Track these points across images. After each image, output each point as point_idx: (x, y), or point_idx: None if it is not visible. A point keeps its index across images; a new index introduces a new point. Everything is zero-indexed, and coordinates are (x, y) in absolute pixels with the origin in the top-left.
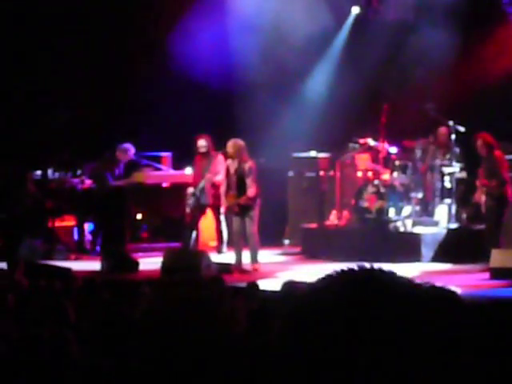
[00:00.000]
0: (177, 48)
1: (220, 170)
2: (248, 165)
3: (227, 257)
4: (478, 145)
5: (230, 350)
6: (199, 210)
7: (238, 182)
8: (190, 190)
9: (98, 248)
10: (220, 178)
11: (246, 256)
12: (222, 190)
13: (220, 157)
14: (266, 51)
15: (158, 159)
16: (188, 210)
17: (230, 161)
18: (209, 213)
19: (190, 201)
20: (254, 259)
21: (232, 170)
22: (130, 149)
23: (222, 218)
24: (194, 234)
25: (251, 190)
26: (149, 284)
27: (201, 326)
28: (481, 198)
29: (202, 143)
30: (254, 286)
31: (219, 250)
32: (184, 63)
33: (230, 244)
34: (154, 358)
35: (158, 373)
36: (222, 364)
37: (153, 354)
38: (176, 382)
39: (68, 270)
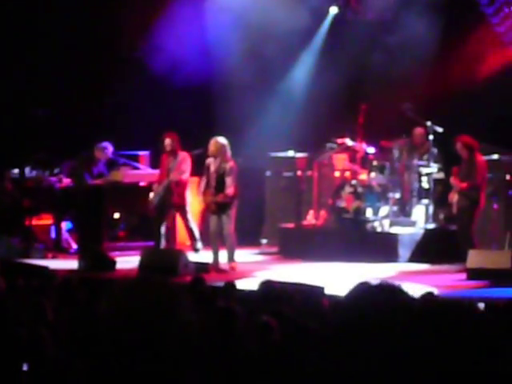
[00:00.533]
0: (156, 45)
1: (185, 168)
2: (229, 164)
3: (204, 256)
4: (458, 147)
5: (193, 350)
6: (164, 209)
7: (217, 181)
8: (155, 187)
9: (75, 247)
10: (185, 176)
11: (222, 255)
12: (200, 188)
13: (185, 155)
14: (245, 50)
15: (136, 158)
16: (152, 208)
17: (211, 159)
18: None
19: (155, 199)
20: (230, 258)
21: (212, 169)
22: (108, 147)
23: (189, 216)
24: (162, 231)
25: (230, 189)
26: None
27: (159, 327)
28: (454, 197)
29: (167, 141)
30: (230, 285)
31: (194, 248)
32: (163, 61)
33: (206, 242)
34: (114, 358)
35: (124, 373)
36: (181, 365)
37: (113, 354)
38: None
39: (45, 268)
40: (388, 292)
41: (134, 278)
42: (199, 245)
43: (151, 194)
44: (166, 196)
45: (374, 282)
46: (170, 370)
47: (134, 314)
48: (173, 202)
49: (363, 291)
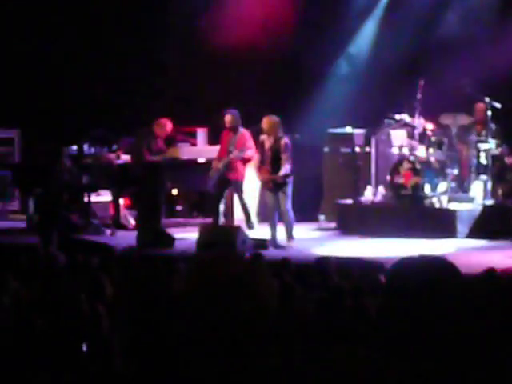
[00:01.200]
0: (214, 19)
1: (249, 145)
2: (283, 141)
3: (262, 232)
4: None
5: (266, 324)
6: (223, 185)
7: (272, 158)
8: (214, 164)
9: (133, 223)
10: (250, 153)
11: (280, 231)
12: (255, 164)
13: (245, 132)
14: (302, 23)
15: (194, 134)
16: (212, 184)
17: (264, 136)
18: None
19: (214, 175)
20: (289, 235)
21: (267, 146)
22: (167, 123)
23: (243, 193)
24: (221, 208)
25: (286, 167)
26: (184, 260)
27: (238, 302)
28: None
29: (227, 118)
30: (287, 261)
31: (248, 225)
32: (219, 35)
33: (264, 219)
34: (190, 334)
35: (193, 349)
36: (258, 338)
37: (190, 330)
38: (213, 358)
39: (104, 244)
40: (435, 264)
41: (211, 254)
42: (253, 220)
43: (212, 170)
44: (226, 172)
45: (418, 255)
46: (254, 341)
47: (217, 289)
48: (231, 178)
49: (409, 264)
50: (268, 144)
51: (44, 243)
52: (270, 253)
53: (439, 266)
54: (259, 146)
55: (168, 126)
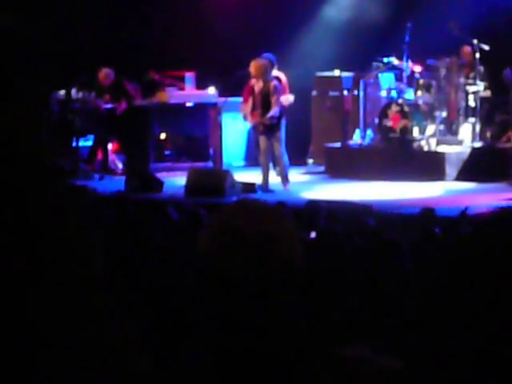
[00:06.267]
0: None
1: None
2: (272, 84)
3: (251, 176)
4: None
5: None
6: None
7: (262, 102)
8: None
9: (121, 167)
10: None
11: (272, 176)
12: (247, 109)
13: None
14: None
15: (182, 78)
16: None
17: (254, 80)
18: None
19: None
20: (284, 178)
21: (257, 90)
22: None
23: None
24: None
25: (275, 110)
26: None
27: (267, 256)
28: None
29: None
30: (281, 205)
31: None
32: None
33: (254, 162)
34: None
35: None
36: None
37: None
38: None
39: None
40: None
41: (234, 205)
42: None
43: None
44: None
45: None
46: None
47: (245, 242)
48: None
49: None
50: (257, 88)
51: None
52: (259, 197)
53: None
54: (250, 89)
55: (109, 74)
